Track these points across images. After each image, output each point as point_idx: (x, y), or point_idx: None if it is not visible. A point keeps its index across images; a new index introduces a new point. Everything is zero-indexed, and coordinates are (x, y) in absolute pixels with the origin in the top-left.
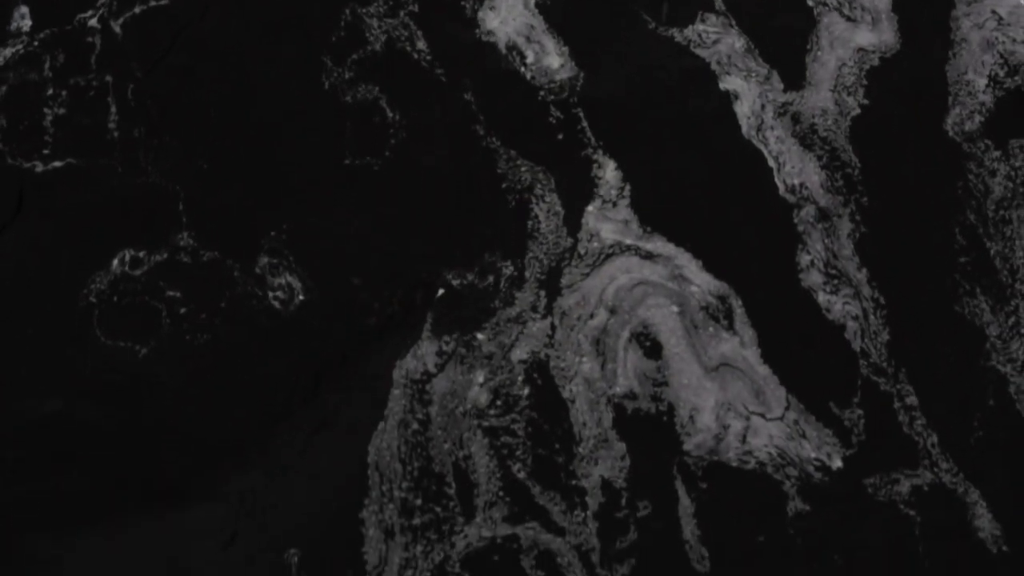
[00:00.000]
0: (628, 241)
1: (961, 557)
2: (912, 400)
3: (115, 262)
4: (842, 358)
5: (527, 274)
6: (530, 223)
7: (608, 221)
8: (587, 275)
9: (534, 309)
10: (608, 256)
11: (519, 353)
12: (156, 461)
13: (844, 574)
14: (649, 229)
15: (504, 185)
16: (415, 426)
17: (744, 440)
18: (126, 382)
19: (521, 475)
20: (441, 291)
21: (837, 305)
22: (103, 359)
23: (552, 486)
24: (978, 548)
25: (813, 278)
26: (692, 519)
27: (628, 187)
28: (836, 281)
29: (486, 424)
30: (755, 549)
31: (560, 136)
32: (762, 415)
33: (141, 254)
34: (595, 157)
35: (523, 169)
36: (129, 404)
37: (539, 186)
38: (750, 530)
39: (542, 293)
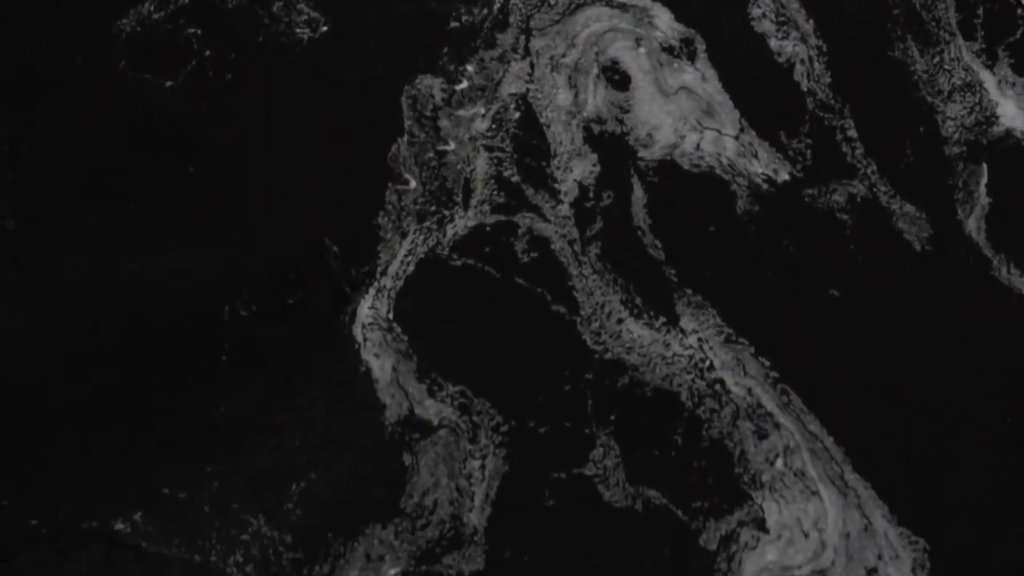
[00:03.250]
0: None
1: (888, 253)
2: (853, 133)
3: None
4: (791, 96)
5: (510, 19)
6: None
7: None
8: (559, 21)
9: (514, 50)
10: (580, 5)
11: (507, 88)
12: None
13: (789, 260)
14: None
15: None
16: (431, 154)
17: (698, 148)
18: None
19: (515, 179)
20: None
21: (787, 48)
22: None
23: (538, 186)
24: (904, 247)
25: (765, 26)
26: (643, 209)
27: None
28: (786, 27)
29: (487, 143)
30: (706, 237)
31: None
32: (717, 130)
33: None
34: None
35: None
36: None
37: None
38: (701, 221)
39: (521, 37)
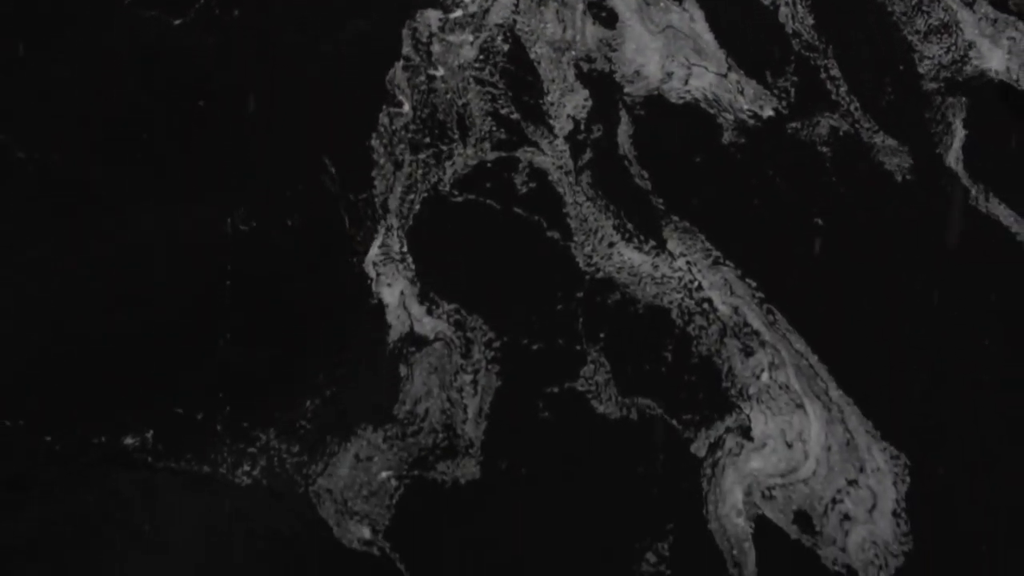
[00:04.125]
0: None
1: (871, 184)
2: (836, 72)
3: None
4: (777, 37)
5: None
6: None
7: None
8: None
9: None
10: None
11: (494, 17)
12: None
13: (774, 189)
14: None
15: None
16: (422, 77)
17: (686, 83)
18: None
19: (514, 116)
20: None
21: None
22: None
23: (537, 122)
24: (886, 177)
25: None
26: (629, 140)
27: None
28: None
29: (476, 75)
30: (693, 167)
31: None
32: (704, 67)
33: None
34: None
35: None
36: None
37: None
38: (688, 152)
39: None
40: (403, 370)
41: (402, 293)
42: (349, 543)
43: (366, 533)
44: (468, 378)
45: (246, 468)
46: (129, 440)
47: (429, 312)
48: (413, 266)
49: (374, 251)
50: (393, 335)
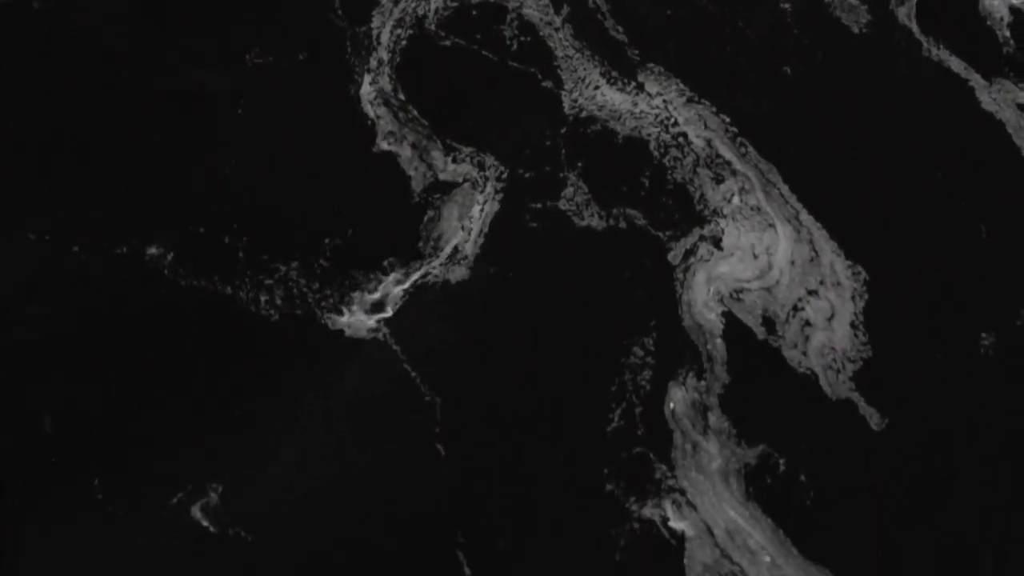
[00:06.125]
0: None
1: (830, 37)
2: None
3: None
4: None
5: None
6: None
7: None
8: None
9: None
10: None
11: None
12: None
13: (744, 39)
14: None
15: None
16: None
17: None
18: None
19: None
20: None
21: None
22: None
23: None
24: (843, 30)
25: None
26: None
27: None
28: None
29: None
30: (664, 19)
31: None
32: None
33: None
34: None
35: None
36: None
37: None
38: (659, 3)
39: None
40: (430, 212)
41: (414, 145)
42: (356, 334)
43: (371, 323)
44: (477, 208)
45: (263, 296)
46: (153, 250)
47: (454, 160)
48: (413, 110)
49: (366, 87)
50: (416, 186)
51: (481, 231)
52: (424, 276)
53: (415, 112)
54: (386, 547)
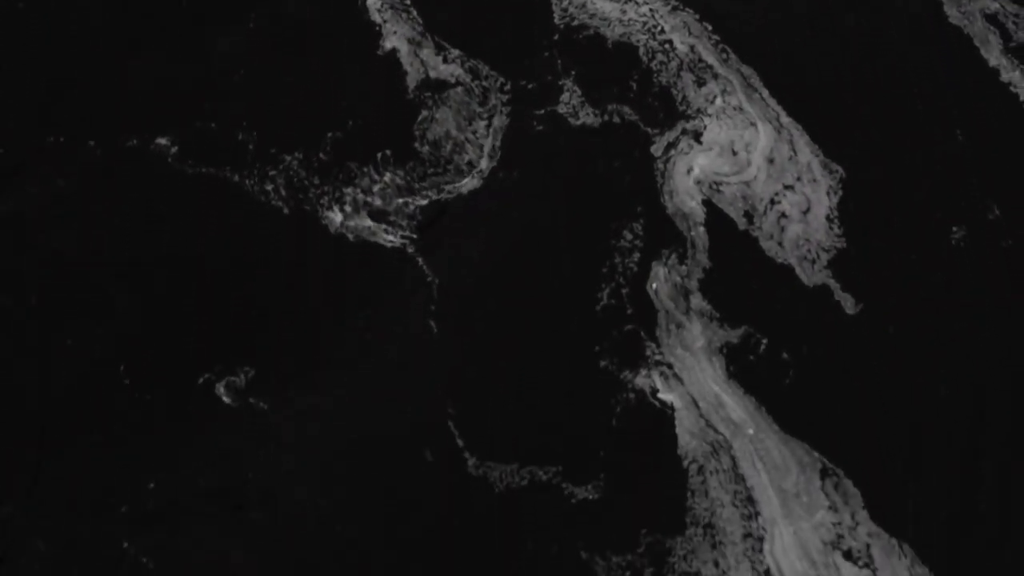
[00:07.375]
0: None
1: None
2: None
3: None
4: None
5: None
6: None
7: None
8: None
9: None
10: None
11: None
12: None
13: None
14: None
15: None
16: None
17: None
18: None
19: None
20: None
21: None
22: None
23: None
24: None
25: None
26: None
27: None
28: None
29: None
30: None
31: None
32: None
33: None
34: None
35: None
36: None
37: None
38: None
39: None
40: (424, 112)
41: (409, 41)
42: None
43: (396, 238)
44: (483, 123)
45: (268, 186)
46: (161, 140)
47: (444, 60)
48: (413, 11)
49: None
50: (410, 82)
51: (493, 147)
52: (439, 192)
53: (415, 12)
54: (381, 426)
